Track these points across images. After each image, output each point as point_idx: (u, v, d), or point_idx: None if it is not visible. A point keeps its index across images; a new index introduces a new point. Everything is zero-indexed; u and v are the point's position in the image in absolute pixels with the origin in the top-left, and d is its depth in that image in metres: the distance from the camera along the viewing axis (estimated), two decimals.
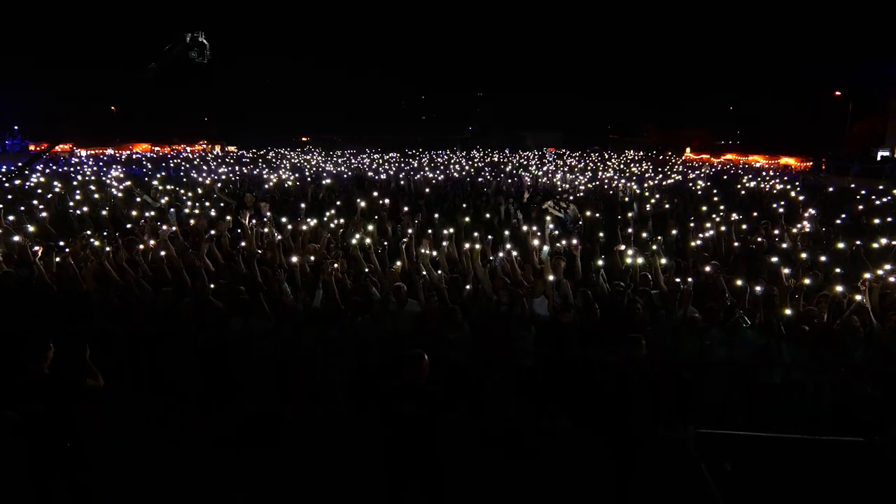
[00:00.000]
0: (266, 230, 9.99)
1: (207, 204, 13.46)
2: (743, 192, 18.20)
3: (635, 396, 6.39)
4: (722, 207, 13.55)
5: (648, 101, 59.02)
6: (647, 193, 16.53)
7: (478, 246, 8.38)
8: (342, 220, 11.15)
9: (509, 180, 19.99)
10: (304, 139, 56.42)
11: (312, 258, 8.59)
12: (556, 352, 6.64)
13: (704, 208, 13.33)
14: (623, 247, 8.99)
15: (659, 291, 7.67)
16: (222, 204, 13.52)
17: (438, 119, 66.27)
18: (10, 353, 6.55)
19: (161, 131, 51.28)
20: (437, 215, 11.77)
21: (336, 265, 7.87)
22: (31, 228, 9.88)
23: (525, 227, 10.40)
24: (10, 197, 13.49)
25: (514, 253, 8.53)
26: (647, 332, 6.60)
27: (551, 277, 7.61)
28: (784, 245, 9.75)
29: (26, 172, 18.05)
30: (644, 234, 10.31)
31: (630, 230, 10.27)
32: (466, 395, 6.95)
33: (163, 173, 22.68)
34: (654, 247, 9.32)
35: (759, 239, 10.26)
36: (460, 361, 6.81)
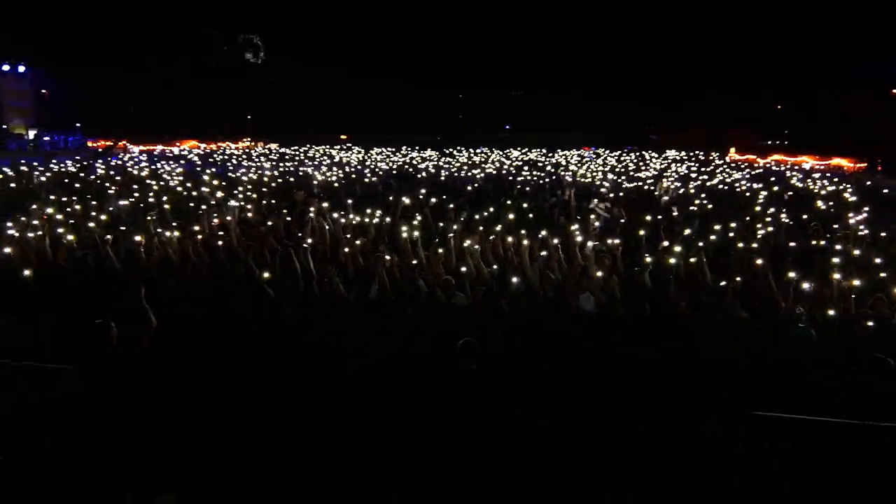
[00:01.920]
0: (317, 224, 10.33)
1: (255, 196, 13.97)
2: (790, 193, 17.82)
3: (682, 395, 6.53)
4: (771, 209, 13.33)
5: (691, 99, 57.78)
6: (692, 191, 16.37)
7: (525, 242, 8.52)
8: (387, 216, 11.42)
9: (549, 178, 20.01)
10: (342, 137, 57.19)
11: (362, 251, 8.88)
12: (603, 348, 6.75)
13: (756, 209, 13.17)
14: (667, 245, 9.01)
15: (704, 290, 7.68)
16: (272, 199, 13.98)
17: (475, 118, 66.25)
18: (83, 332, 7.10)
19: (207, 128, 52.80)
20: (485, 212, 11.90)
21: (388, 257, 8.15)
22: (102, 217, 10.48)
23: (571, 225, 10.50)
24: (77, 186, 14.26)
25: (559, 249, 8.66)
26: (691, 330, 6.69)
27: (599, 273, 7.73)
28: (837, 246, 9.59)
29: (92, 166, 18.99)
30: (688, 233, 10.28)
31: (675, 229, 10.26)
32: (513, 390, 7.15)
33: (212, 169, 23.46)
34: (701, 244, 9.32)
35: (812, 241, 10.11)
36: (506, 355, 7.01)
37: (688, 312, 6.93)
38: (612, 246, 8.97)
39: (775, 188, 18.29)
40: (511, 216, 11.21)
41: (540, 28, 62.24)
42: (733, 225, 10.88)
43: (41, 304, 7.00)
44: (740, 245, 9.75)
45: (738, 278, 7.14)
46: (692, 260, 8.43)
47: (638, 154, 39.45)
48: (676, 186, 17.96)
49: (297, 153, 37.27)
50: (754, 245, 9.80)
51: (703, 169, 27.80)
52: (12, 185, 17.62)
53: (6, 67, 38.07)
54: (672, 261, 8.23)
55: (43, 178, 18.85)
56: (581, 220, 11.29)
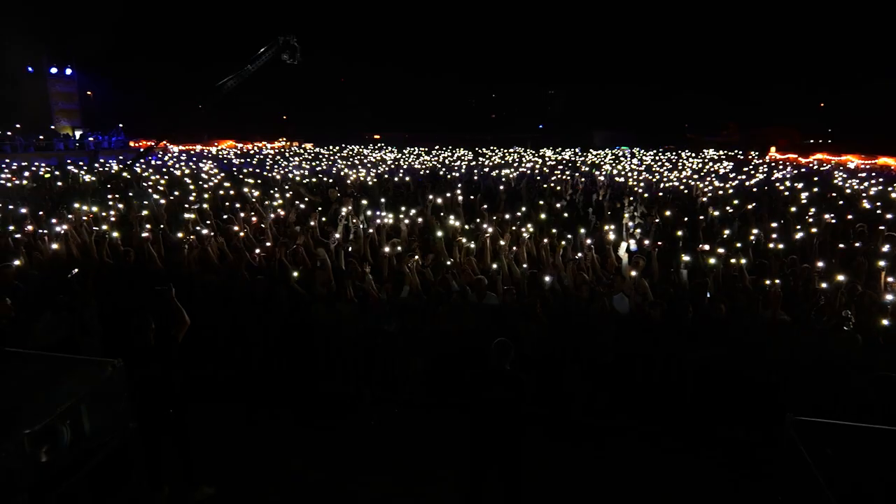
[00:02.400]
0: (352, 223, 10.43)
1: (289, 195, 14.18)
2: (834, 193, 17.24)
3: (720, 397, 6.41)
4: (813, 210, 12.92)
5: (729, 97, 56.36)
6: (730, 192, 15.99)
7: (562, 242, 8.45)
8: (420, 216, 11.46)
9: (583, 178, 19.80)
10: (375, 137, 57.61)
11: (395, 250, 8.92)
12: (639, 348, 6.67)
13: (793, 209, 12.79)
14: (706, 247, 8.82)
15: (743, 293, 7.50)
16: (307, 199, 14.16)
17: (509, 117, 65.97)
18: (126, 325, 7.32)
19: (243, 129, 53.84)
20: (518, 212, 11.83)
21: (417, 257, 8.19)
22: (143, 213, 10.80)
23: (605, 226, 10.38)
24: (122, 185, 14.73)
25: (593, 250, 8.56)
26: (730, 333, 6.54)
27: (633, 273, 7.63)
28: (884, 248, 9.23)
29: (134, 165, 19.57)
30: (727, 233, 10.05)
31: (713, 230, 10.04)
32: (544, 387, 7.13)
33: (249, 168, 23.91)
34: (739, 245, 9.10)
35: (856, 243, 9.76)
36: (538, 355, 6.99)
37: (728, 315, 6.78)
38: (649, 246, 8.83)
39: (817, 188, 17.75)
40: (544, 216, 11.13)
41: (574, 27, 61.59)
42: (774, 226, 10.59)
43: (85, 298, 7.23)
44: (780, 246, 9.49)
45: (777, 280, 6.93)
46: (731, 261, 8.23)
47: (674, 153, 38.67)
48: (713, 186, 17.59)
49: (332, 153, 37.71)
50: (795, 246, 9.53)
51: (742, 168, 27.15)
52: (59, 183, 18.29)
53: (54, 70, 39.50)
54: (711, 261, 8.05)
55: (88, 178, 19.50)
56: (615, 221, 11.15)
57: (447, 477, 5.51)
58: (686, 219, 11.47)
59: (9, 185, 17.30)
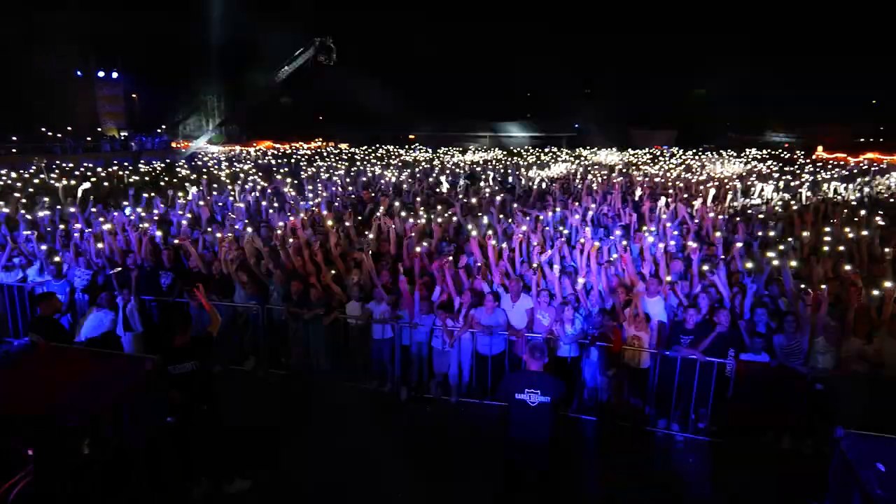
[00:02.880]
0: (384, 224, 10.46)
1: (325, 195, 14.33)
2: (886, 195, 16.54)
3: (762, 405, 6.19)
4: (863, 212, 12.40)
5: (773, 95, 54.65)
6: (775, 194, 15.49)
7: (596, 243, 8.30)
8: (453, 216, 11.44)
9: (620, 178, 19.48)
10: (411, 137, 57.93)
11: (427, 252, 8.91)
12: (672, 352, 6.50)
13: (845, 211, 12.31)
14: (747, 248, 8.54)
15: (787, 297, 7.23)
16: (339, 198, 14.30)
17: (544, 117, 65.44)
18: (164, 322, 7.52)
19: (281, 129, 54.84)
20: (552, 213, 11.69)
21: (450, 258, 8.16)
22: (188, 215, 11.06)
23: (642, 227, 10.17)
24: (162, 184, 15.13)
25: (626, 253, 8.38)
26: (772, 338, 6.33)
27: (668, 278, 7.43)
28: None
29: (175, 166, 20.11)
30: (772, 235, 9.72)
31: (759, 232, 9.73)
32: (577, 390, 7.03)
33: (285, 168, 24.30)
34: (782, 248, 8.78)
35: None
36: (572, 357, 6.89)
37: (770, 320, 6.55)
38: (688, 248, 8.60)
39: (867, 189, 17.05)
40: (578, 216, 10.98)
41: (611, 24, 60.68)
42: (827, 229, 10.19)
43: (127, 296, 7.43)
44: (826, 249, 9.12)
45: (823, 286, 6.64)
46: (775, 264, 7.95)
47: (715, 152, 37.72)
48: (755, 186, 17.07)
49: (367, 153, 38.06)
50: (842, 249, 9.14)
51: (786, 168, 26.32)
52: (105, 183, 18.91)
53: (101, 74, 40.92)
54: (749, 265, 7.78)
55: (133, 178, 20.11)
56: (652, 222, 10.91)
57: (482, 477, 5.46)
58: (730, 221, 11.15)
59: (57, 185, 17.95)
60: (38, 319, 6.36)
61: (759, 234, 9.93)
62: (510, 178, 20.02)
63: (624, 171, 23.59)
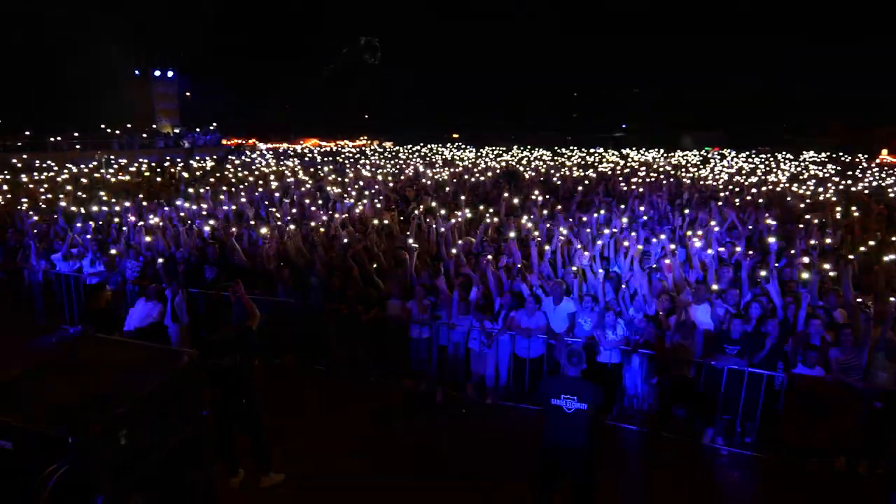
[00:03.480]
0: (424, 222, 10.47)
1: (368, 194, 14.44)
2: None
3: (814, 421, 5.89)
4: None
5: (832, 95, 52.16)
6: (832, 199, 14.78)
7: (640, 247, 8.08)
8: (495, 216, 11.34)
9: (667, 181, 18.97)
10: (454, 136, 57.99)
11: (466, 251, 8.86)
12: (716, 362, 6.26)
13: None
14: (806, 259, 8.12)
15: (847, 308, 6.86)
16: (382, 196, 14.39)
17: (590, 116, 64.44)
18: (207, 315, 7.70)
19: (326, 127, 55.79)
20: (595, 214, 11.45)
21: (490, 257, 8.08)
22: (233, 208, 11.34)
23: (689, 231, 9.86)
24: (213, 180, 15.56)
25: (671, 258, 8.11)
26: (827, 351, 6.02)
27: (715, 287, 7.16)
28: None
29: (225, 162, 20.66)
30: (829, 242, 9.27)
31: (813, 241, 9.27)
32: (618, 398, 6.85)
33: (331, 166, 24.66)
34: (840, 256, 8.34)
35: None
36: (613, 363, 6.72)
37: (825, 333, 6.23)
38: (740, 254, 8.27)
39: None
40: (625, 220, 10.72)
41: (661, 22, 59.20)
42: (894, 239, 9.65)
43: (174, 288, 7.63)
44: (887, 259, 8.61)
45: (892, 298, 6.27)
46: (832, 274, 7.56)
47: (770, 155, 36.30)
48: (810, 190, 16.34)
49: (411, 151, 38.26)
50: None
51: (847, 172, 25.13)
52: (158, 179, 19.59)
53: (157, 73, 42.45)
54: (805, 276, 7.40)
55: (185, 174, 20.75)
56: (699, 225, 10.56)
57: (515, 481, 5.37)
58: (780, 226, 10.69)
59: (113, 179, 18.70)
60: (90, 310, 6.63)
61: (816, 242, 9.47)
62: (555, 179, 19.75)
63: (672, 172, 22.98)
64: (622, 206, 12.52)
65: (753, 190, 16.53)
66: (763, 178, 21.36)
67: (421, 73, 58.44)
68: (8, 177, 19.00)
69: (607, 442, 6.21)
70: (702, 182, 19.31)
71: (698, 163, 30.19)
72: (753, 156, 36.16)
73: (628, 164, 26.97)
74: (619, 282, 7.73)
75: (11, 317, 8.81)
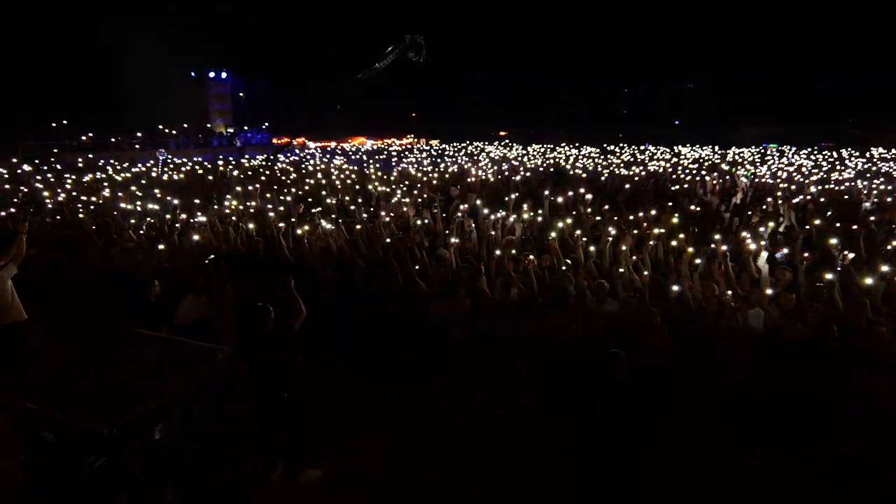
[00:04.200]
0: (467, 221, 10.41)
1: (414, 192, 14.48)
2: None
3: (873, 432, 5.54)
4: None
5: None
6: None
7: (690, 249, 7.79)
8: (539, 215, 11.17)
9: (721, 178, 18.30)
10: (501, 133, 57.68)
11: (512, 250, 8.74)
12: (771, 370, 5.95)
13: None
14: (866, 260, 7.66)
15: None
16: (429, 195, 14.40)
17: (641, 113, 62.90)
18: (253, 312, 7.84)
19: (374, 126, 56.48)
20: (643, 213, 11.13)
21: (532, 257, 7.93)
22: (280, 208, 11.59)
23: (743, 232, 9.46)
24: (263, 179, 15.96)
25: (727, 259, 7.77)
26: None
27: (769, 291, 6.81)
28: None
29: (274, 161, 21.17)
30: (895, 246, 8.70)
31: (876, 241, 8.74)
32: (661, 404, 6.60)
33: (377, 164, 24.89)
34: None
35: None
36: (656, 367, 6.48)
37: (890, 341, 5.84)
38: (797, 257, 7.87)
39: None
40: (675, 219, 10.38)
41: (715, 12, 57.12)
42: None
43: (221, 283, 7.82)
44: None
45: None
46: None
47: (834, 151, 34.50)
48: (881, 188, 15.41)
49: (457, 149, 38.26)
50: None
51: None
52: (210, 177, 20.20)
53: (211, 74, 43.93)
54: (868, 281, 6.96)
55: (235, 172, 21.35)
56: (755, 225, 10.11)
57: (550, 489, 5.27)
58: (843, 227, 10.11)
59: (165, 178, 19.40)
60: (143, 304, 6.91)
61: (883, 246, 8.91)
62: (603, 177, 19.35)
63: (727, 169, 22.16)
64: (671, 205, 12.13)
65: (813, 189, 15.73)
66: (825, 175, 20.32)
67: (467, 71, 58.35)
68: (73, 176, 20.01)
69: (650, 445, 6.00)
70: (758, 179, 18.54)
71: (755, 159, 29.02)
72: (815, 152, 34.46)
73: (680, 162, 26.16)
74: (667, 283, 7.47)
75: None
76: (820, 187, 16.33)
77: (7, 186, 17.43)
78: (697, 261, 7.84)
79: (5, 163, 23.30)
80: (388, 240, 9.24)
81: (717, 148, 38.83)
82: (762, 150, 37.56)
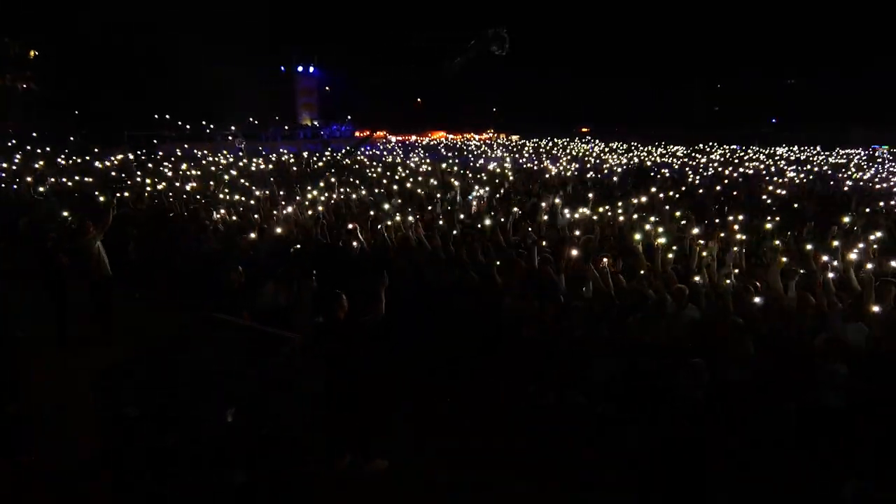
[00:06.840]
0: (547, 220, 10.23)
1: (491, 188, 14.40)
2: None
3: None
4: None
5: None
6: None
7: (784, 259, 7.28)
8: (620, 215, 10.81)
9: (821, 182, 17.03)
10: (583, 130, 56.39)
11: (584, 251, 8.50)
12: (875, 391, 5.44)
13: None
14: None
15: None
16: (502, 191, 14.29)
17: (735, 110, 59.42)
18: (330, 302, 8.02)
19: (454, 120, 56.65)
20: (732, 217, 10.51)
21: (606, 259, 7.66)
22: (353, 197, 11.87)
23: (845, 240, 8.73)
24: (346, 172, 16.41)
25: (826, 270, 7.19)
26: None
27: (876, 309, 6.22)
28: None
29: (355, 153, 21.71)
30: None
31: None
32: (743, 422, 6.19)
33: (456, 159, 24.96)
34: None
35: None
36: (739, 382, 6.08)
37: None
38: None
39: None
40: (768, 225, 9.74)
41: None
42: None
43: (302, 273, 8.05)
44: None
45: None
46: None
47: None
48: None
49: (537, 145, 37.76)
50: None
51: None
52: (294, 168, 20.98)
53: (300, 69, 45.64)
54: None
55: (320, 164, 22.07)
56: (860, 234, 9.31)
57: (621, 487, 5.07)
58: None
59: (253, 168, 20.31)
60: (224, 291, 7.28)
61: None
62: (690, 178, 18.49)
63: (829, 173, 20.60)
64: (763, 208, 11.41)
65: None
66: None
67: (550, 66, 57.39)
68: (170, 165, 21.36)
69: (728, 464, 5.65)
70: (864, 184, 17.09)
71: (862, 163, 26.80)
72: None
73: (776, 164, 24.56)
74: (752, 292, 7.00)
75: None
76: None
77: (113, 174, 18.85)
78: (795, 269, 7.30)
79: (116, 150, 25.20)
80: (465, 235, 9.21)
81: (819, 149, 36.18)
82: (871, 153, 34.62)
